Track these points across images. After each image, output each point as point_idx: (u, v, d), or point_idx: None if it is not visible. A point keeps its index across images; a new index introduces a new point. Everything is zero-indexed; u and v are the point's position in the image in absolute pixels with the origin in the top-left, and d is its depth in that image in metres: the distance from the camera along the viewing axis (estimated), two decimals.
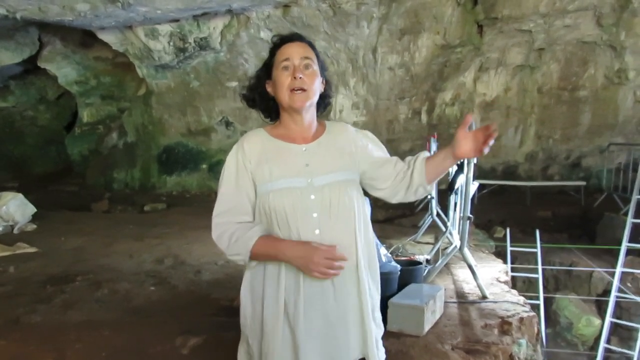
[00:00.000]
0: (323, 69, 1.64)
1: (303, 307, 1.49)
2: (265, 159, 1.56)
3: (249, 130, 1.69)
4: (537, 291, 5.80)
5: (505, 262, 5.45)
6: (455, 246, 4.12)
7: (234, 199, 1.58)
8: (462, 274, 4.39)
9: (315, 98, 1.60)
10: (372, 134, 1.72)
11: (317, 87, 1.59)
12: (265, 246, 1.50)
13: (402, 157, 1.66)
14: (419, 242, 5.70)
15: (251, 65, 8.89)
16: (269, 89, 1.62)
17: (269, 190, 1.53)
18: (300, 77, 1.53)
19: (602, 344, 5.28)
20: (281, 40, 1.60)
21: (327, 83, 1.67)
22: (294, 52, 1.56)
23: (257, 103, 1.66)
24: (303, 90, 1.54)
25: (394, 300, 3.11)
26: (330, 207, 1.52)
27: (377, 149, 1.68)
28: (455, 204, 4.66)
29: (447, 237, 4.81)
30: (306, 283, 1.50)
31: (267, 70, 1.62)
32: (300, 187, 1.52)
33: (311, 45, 1.61)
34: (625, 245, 5.38)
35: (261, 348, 1.54)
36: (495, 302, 3.67)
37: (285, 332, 1.51)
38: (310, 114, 1.61)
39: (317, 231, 1.51)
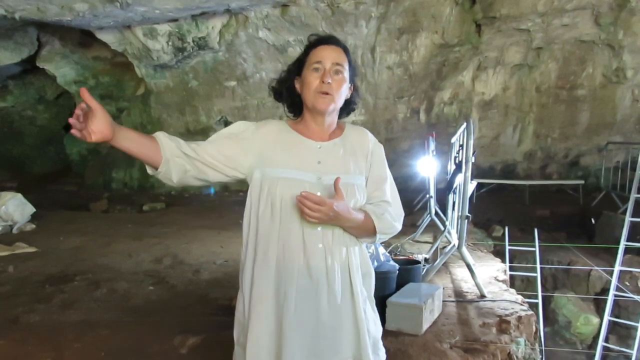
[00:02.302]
0: (354, 74, 1.66)
1: (295, 300, 1.50)
2: (281, 146, 1.59)
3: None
4: (535, 290, 5.80)
5: (503, 261, 5.45)
6: (454, 245, 4.13)
7: (209, 145, 1.59)
8: (460, 272, 4.40)
9: (340, 103, 1.62)
10: (383, 151, 1.73)
11: (343, 93, 1.62)
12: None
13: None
14: (417, 241, 5.71)
15: (250, 65, 8.89)
16: (297, 85, 1.64)
17: (278, 177, 1.55)
18: (328, 82, 1.55)
19: (601, 343, 5.29)
20: (317, 41, 1.62)
21: (355, 89, 1.69)
22: (327, 56, 1.58)
23: (283, 97, 1.69)
24: (329, 94, 1.56)
25: (392, 299, 3.11)
26: None
27: (382, 169, 1.69)
28: (454, 203, 4.67)
29: (445, 236, 4.82)
30: (301, 275, 1.51)
31: (298, 66, 1.64)
32: (310, 182, 1.54)
33: (345, 51, 1.62)
34: (623, 244, 5.39)
35: (246, 335, 1.54)
36: (494, 301, 3.67)
37: (270, 321, 1.51)
38: (332, 117, 1.64)
39: (319, 228, 1.53)
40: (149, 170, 1.55)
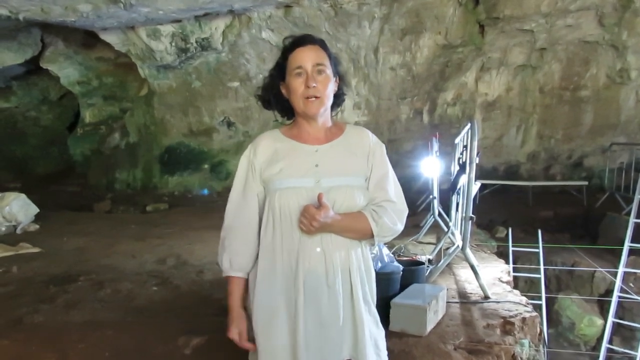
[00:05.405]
0: (336, 65, 1.65)
1: (303, 306, 1.51)
2: (277, 158, 1.59)
3: (260, 132, 1.74)
4: (539, 291, 5.78)
5: (507, 262, 5.44)
6: (458, 246, 4.11)
7: (240, 207, 1.64)
8: (464, 274, 4.38)
9: (329, 102, 1.62)
10: (385, 150, 1.72)
11: (331, 91, 1.61)
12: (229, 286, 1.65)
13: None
14: (421, 242, 5.69)
15: (253, 66, 8.90)
16: (284, 90, 1.63)
17: (276, 188, 1.56)
18: (313, 86, 1.55)
19: (605, 344, 5.27)
20: (293, 44, 1.60)
21: (341, 79, 1.68)
22: (306, 58, 1.56)
23: (272, 104, 1.68)
24: (317, 97, 1.56)
25: (396, 300, 3.11)
26: (333, 210, 1.52)
27: (384, 168, 1.67)
28: (457, 204, 4.65)
29: (449, 237, 4.81)
30: (304, 281, 1.52)
31: (280, 71, 1.63)
32: (307, 187, 1.54)
33: (323, 46, 1.61)
34: (627, 245, 5.36)
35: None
36: (498, 302, 3.66)
37: (283, 329, 1.52)
38: (324, 116, 1.64)
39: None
40: None
